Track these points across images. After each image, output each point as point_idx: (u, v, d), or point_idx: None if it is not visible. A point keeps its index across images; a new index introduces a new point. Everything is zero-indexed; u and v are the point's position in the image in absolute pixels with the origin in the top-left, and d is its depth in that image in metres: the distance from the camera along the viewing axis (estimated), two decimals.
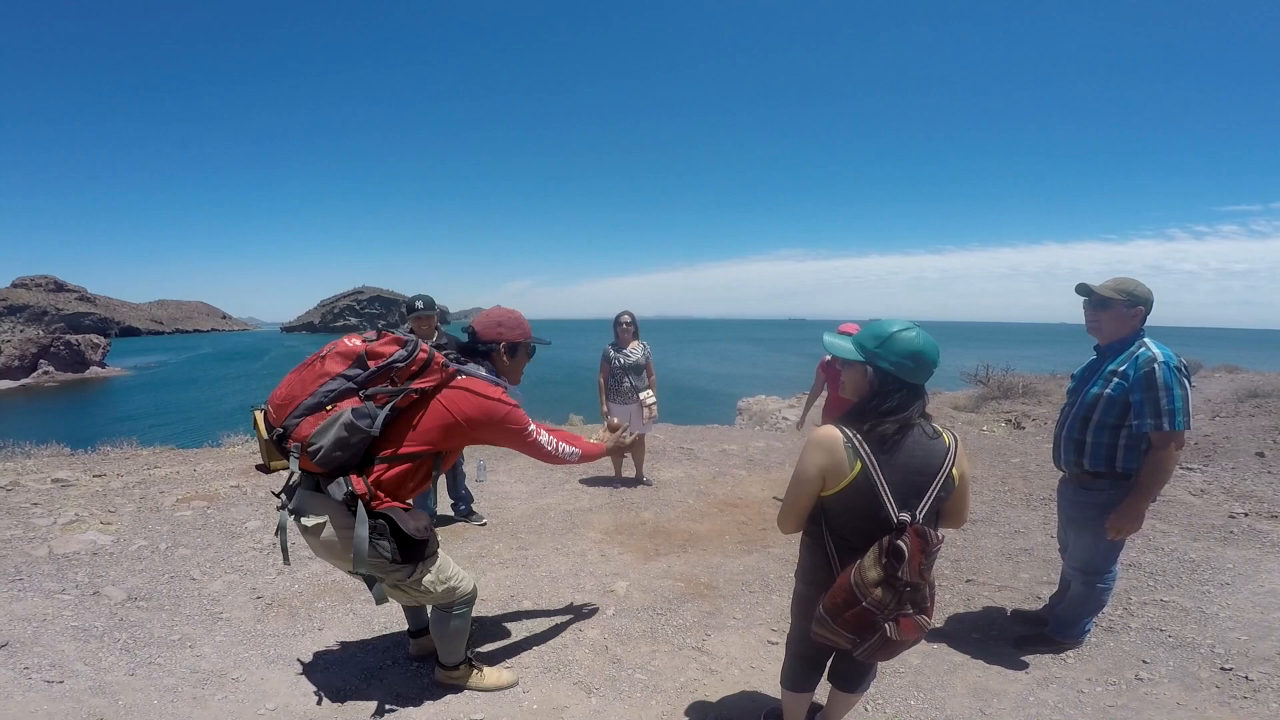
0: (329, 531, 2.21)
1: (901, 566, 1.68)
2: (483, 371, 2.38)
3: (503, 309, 2.55)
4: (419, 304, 4.18)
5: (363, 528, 2.13)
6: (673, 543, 4.38)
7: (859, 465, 1.76)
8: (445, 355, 2.34)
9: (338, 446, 2.09)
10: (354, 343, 2.25)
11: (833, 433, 1.82)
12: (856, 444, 1.77)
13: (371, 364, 2.19)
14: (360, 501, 2.14)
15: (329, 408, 2.13)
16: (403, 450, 2.21)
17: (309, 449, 2.09)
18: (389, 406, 2.16)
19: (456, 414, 2.24)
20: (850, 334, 4.68)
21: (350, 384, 2.17)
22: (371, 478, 2.17)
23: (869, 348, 1.84)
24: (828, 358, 5.28)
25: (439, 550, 2.42)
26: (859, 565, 1.74)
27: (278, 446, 2.21)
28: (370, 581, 2.24)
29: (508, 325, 2.48)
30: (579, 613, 3.36)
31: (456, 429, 2.25)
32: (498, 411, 2.29)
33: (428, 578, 2.36)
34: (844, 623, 1.75)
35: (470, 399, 2.26)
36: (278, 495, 2.34)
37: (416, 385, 2.20)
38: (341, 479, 2.14)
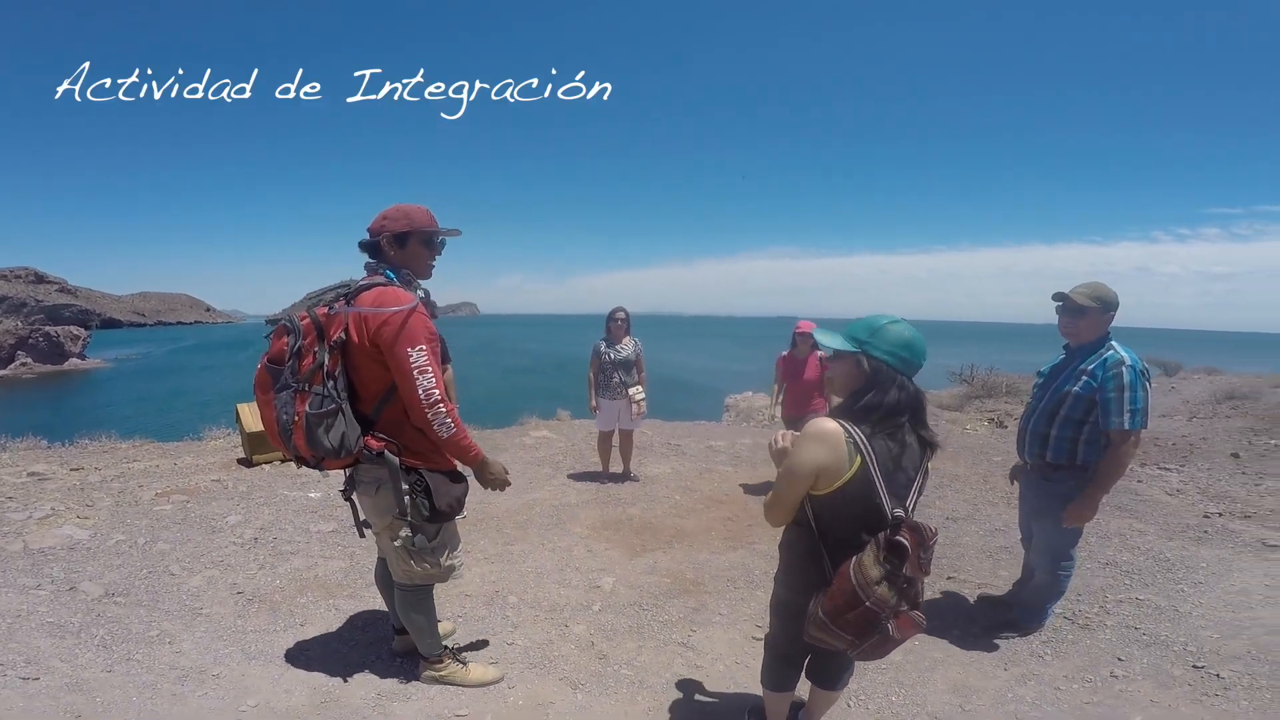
0: (377, 494, 2.33)
1: (904, 563, 1.68)
2: (380, 280, 2.28)
3: (398, 205, 2.39)
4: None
5: (400, 480, 2.26)
6: (659, 539, 4.39)
7: (859, 461, 1.73)
8: (335, 292, 2.30)
9: (327, 441, 2.15)
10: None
11: (833, 427, 1.75)
12: (858, 439, 1.73)
13: (280, 365, 2.20)
14: (389, 454, 2.24)
15: (295, 419, 2.16)
16: (370, 397, 2.26)
17: (320, 461, 2.21)
18: (327, 380, 2.17)
19: (359, 338, 2.19)
20: (808, 330, 4.78)
21: (289, 385, 2.18)
22: (379, 432, 2.26)
23: (862, 338, 1.83)
24: (785, 353, 5.41)
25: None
26: (859, 565, 1.71)
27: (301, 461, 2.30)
28: (414, 530, 2.35)
29: (391, 217, 2.34)
30: (565, 608, 3.36)
31: (362, 350, 2.20)
32: (387, 320, 2.15)
33: (448, 550, 2.48)
34: (845, 624, 1.72)
35: (360, 316, 2.18)
36: (344, 486, 2.50)
37: (330, 342, 2.18)
38: (364, 449, 2.22)
